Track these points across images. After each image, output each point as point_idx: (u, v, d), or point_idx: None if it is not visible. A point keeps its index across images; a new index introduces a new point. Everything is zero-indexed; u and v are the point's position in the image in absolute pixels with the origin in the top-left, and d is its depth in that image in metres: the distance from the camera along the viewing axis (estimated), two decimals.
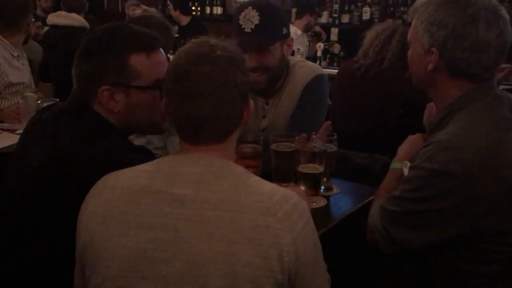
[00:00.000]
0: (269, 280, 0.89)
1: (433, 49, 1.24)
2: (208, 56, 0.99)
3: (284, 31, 1.81)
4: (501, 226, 1.17)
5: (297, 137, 1.68)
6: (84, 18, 3.66)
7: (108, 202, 0.97)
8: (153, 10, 3.72)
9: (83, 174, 1.12)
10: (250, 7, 1.72)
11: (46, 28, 3.76)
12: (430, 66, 1.27)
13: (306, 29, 4.50)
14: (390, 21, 3.37)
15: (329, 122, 1.70)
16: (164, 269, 0.90)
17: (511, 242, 1.20)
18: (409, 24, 1.38)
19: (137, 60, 1.22)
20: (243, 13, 1.72)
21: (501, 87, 2.91)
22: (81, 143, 1.18)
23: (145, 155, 1.21)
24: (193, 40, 1.04)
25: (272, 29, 1.76)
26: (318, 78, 1.91)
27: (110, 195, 0.98)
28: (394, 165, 1.48)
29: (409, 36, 1.35)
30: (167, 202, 0.94)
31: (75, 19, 3.53)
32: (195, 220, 0.91)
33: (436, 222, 1.19)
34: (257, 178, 1.00)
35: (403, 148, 1.52)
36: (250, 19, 1.70)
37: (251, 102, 1.06)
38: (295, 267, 0.91)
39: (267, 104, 1.95)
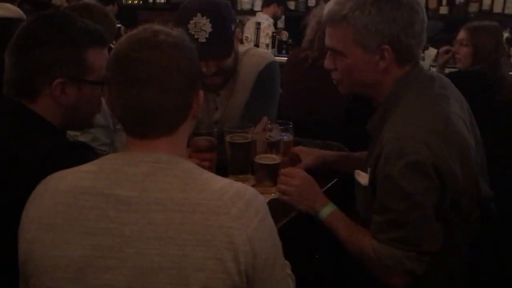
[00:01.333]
0: (224, 283, 0.84)
1: (384, 46, 1.25)
2: (150, 40, 0.92)
3: (233, 27, 1.74)
4: (457, 195, 1.21)
5: (252, 128, 1.64)
6: (19, 8, 3.43)
7: (50, 207, 0.89)
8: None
9: (21, 178, 1.04)
10: (199, 14, 1.61)
11: None
12: (382, 64, 1.27)
13: (273, 19, 4.55)
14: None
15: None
16: (111, 277, 0.84)
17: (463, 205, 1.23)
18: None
19: (93, 55, 1.21)
20: (192, 22, 1.61)
21: (446, 70, 3.00)
22: (17, 143, 1.10)
23: (88, 153, 1.15)
24: (138, 27, 0.96)
25: (226, 35, 1.68)
26: (271, 65, 1.88)
27: (51, 199, 0.90)
28: (326, 210, 1.38)
29: (335, 44, 1.31)
30: (112, 205, 0.87)
31: (11, 10, 3.29)
32: (142, 223, 0.85)
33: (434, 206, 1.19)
34: (209, 174, 0.93)
35: (309, 193, 1.42)
36: (202, 28, 1.61)
37: (201, 92, 0.99)
38: (252, 267, 0.86)
39: (218, 95, 1.89)
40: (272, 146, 1.52)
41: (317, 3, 4.79)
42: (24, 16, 3.34)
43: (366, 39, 1.24)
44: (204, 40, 1.60)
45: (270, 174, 1.53)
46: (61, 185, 0.91)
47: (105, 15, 2.19)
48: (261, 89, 1.86)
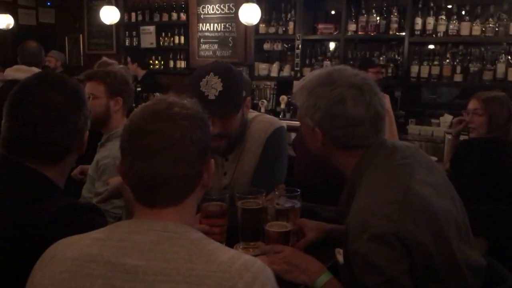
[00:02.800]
0: None
1: (316, 129, 1.34)
2: (164, 113, 0.95)
3: (244, 93, 1.80)
4: (430, 262, 1.17)
5: (264, 194, 1.63)
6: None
7: (56, 275, 0.88)
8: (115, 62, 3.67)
9: (27, 244, 1.03)
10: (212, 73, 1.68)
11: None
12: (318, 143, 1.36)
13: None
14: None
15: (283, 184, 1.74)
16: None
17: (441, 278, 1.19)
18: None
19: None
20: (204, 80, 1.68)
21: (461, 137, 3.00)
22: (22, 206, 1.10)
23: (97, 217, 1.16)
24: (153, 98, 1.01)
25: (235, 96, 1.74)
26: (278, 131, 1.92)
27: (57, 266, 0.89)
28: (323, 278, 1.33)
29: (297, 116, 1.44)
30: (118, 274, 0.86)
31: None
32: None
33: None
34: (217, 244, 0.93)
35: (299, 261, 1.39)
36: (213, 86, 1.67)
37: (212, 161, 1.01)
38: None
39: (226, 160, 1.91)
40: (283, 214, 1.51)
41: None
42: None
43: (304, 117, 1.37)
44: (213, 98, 1.66)
45: (281, 242, 1.50)
46: (68, 252, 0.91)
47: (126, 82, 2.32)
48: (269, 154, 1.87)
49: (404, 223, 1.14)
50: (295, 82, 5.16)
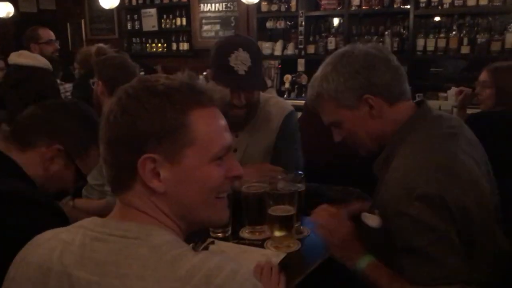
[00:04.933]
0: None
1: (365, 96, 1.30)
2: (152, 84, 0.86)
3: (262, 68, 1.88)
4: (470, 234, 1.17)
5: (268, 178, 1.62)
6: (48, 58, 3.57)
7: (22, 283, 0.86)
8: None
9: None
10: (241, 49, 1.71)
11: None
12: (375, 112, 1.32)
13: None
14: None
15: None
16: None
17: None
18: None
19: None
20: (233, 55, 1.70)
21: (468, 110, 2.95)
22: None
23: (41, 211, 1.18)
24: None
25: (261, 71, 1.81)
26: (293, 113, 1.99)
27: (24, 273, 0.86)
28: (366, 259, 1.31)
29: (331, 118, 1.39)
30: None
31: (39, 60, 3.43)
32: None
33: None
34: (183, 250, 0.80)
35: (346, 247, 1.36)
36: (242, 61, 1.71)
37: (148, 161, 0.84)
38: None
39: (236, 136, 1.92)
40: (286, 197, 1.49)
41: (336, 46, 4.83)
42: (50, 67, 3.48)
43: (344, 100, 1.32)
44: (243, 73, 1.71)
45: (284, 226, 1.49)
46: (34, 256, 0.86)
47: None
48: (288, 134, 1.94)
49: (452, 188, 1.15)
50: (299, 60, 5.10)
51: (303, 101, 3.24)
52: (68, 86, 3.77)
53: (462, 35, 4.42)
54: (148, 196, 0.84)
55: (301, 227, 1.63)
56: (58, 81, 3.78)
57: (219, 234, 1.60)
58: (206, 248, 1.49)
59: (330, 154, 2.67)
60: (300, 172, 1.67)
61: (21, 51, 3.58)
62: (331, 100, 1.34)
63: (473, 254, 1.17)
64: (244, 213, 1.63)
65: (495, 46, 4.25)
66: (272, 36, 5.54)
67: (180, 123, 0.82)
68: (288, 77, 4.98)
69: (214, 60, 1.78)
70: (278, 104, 1.99)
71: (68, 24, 7.17)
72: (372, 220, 1.29)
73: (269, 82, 4.40)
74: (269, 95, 2.13)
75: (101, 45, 3.52)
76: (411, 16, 4.52)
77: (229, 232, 1.62)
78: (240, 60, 1.70)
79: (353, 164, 2.73)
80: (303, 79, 4.78)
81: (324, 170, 2.54)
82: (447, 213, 1.14)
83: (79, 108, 1.42)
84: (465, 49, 4.39)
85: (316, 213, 1.44)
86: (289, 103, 2.12)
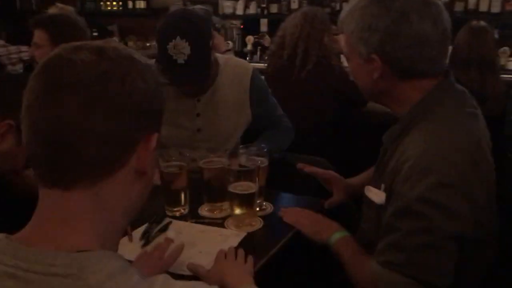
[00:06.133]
0: None
1: (373, 56, 1.14)
2: (93, 45, 0.68)
3: (211, 43, 1.69)
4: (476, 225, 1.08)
5: (227, 152, 1.52)
6: None
7: None
8: (70, 8, 3.37)
9: None
10: (179, 37, 1.58)
11: None
12: (375, 75, 1.16)
13: None
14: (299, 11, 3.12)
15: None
16: None
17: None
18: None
19: None
20: (171, 43, 1.58)
21: None
22: None
23: None
24: None
25: (204, 59, 1.66)
26: (257, 71, 1.95)
27: None
28: (336, 235, 1.29)
29: (344, 49, 1.24)
30: None
31: None
32: None
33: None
34: (133, 284, 0.62)
35: (317, 224, 1.38)
36: (181, 50, 1.59)
37: (155, 137, 0.71)
38: None
39: (198, 101, 1.84)
40: (248, 174, 1.39)
41: (300, 5, 4.67)
42: None
43: (356, 45, 1.16)
44: (182, 62, 1.59)
45: (245, 204, 1.41)
46: None
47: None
48: (261, 90, 1.93)
49: (470, 176, 1.05)
50: (262, 20, 4.92)
51: (266, 65, 3.12)
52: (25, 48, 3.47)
53: None
54: (124, 187, 0.68)
55: (264, 204, 1.55)
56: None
57: (176, 213, 1.50)
58: (163, 230, 1.40)
59: (294, 121, 2.60)
60: (264, 145, 1.57)
61: None
62: (347, 38, 1.19)
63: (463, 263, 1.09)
64: (203, 190, 1.53)
65: (459, 7, 4.21)
66: None
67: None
68: (250, 39, 4.80)
69: (157, 44, 1.66)
70: (240, 62, 1.96)
71: None
72: (376, 195, 1.20)
73: (230, 44, 4.21)
74: (227, 56, 2.07)
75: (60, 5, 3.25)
76: None
77: (187, 211, 1.52)
78: (178, 49, 1.59)
79: (317, 132, 2.69)
80: (266, 40, 4.61)
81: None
82: (464, 208, 1.04)
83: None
84: None
85: (283, 211, 1.48)
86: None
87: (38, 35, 2.09)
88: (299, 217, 1.43)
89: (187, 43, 1.58)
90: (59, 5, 3.42)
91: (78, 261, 0.60)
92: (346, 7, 1.20)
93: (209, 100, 1.83)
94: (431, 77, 1.16)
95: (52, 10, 3.18)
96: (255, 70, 1.93)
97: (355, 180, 1.59)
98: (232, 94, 1.86)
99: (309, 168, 1.61)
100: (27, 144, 0.65)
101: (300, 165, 1.61)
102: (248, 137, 1.96)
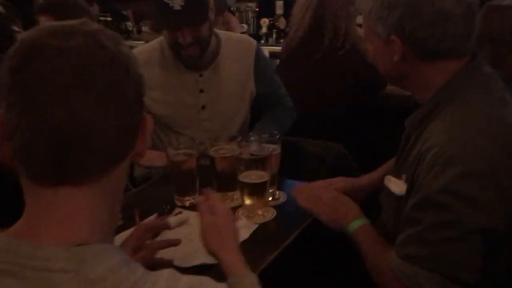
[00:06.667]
0: None
1: (392, 37, 1.06)
2: (82, 28, 0.62)
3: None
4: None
5: (239, 139, 1.46)
6: None
7: None
8: None
9: None
10: None
11: None
12: (396, 57, 1.09)
13: None
14: None
15: None
16: None
17: None
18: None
19: None
20: None
21: None
22: None
23: None
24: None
25: (201, 2, 1.65)
26: (259, 47, 1.93)
27: None
28: (357, 222, 1.22)
29: (363, 33, 1.17)
30: None
31: None
32: None
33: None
34: (136, 278, 0.59)
35: (335, 211, 1.28)
36: None
37: (150, 118, 0.70)
38: None
39: (200, 75, 1.80)
40: (259, 162, 1.33)
41: None
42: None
43: (374, 26, 1.09)
44: (179, 8, 1.57)
45: (256, 194, 1.35)
46: None
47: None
48: (267, 65, 1.92)
49: (499, 164, 0.96)
50: (277, 3, 4.81)
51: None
52: None
53: None
54: (123, 173, 0.67)
55: (277, 193, 1.49)
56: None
57: (185, 203, 1.46)
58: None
59: (303, 107, 2.53)
60: (275, 132, 1.51)
61: None
62: (365, 18, 1.13)
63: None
64: (213, 179, 1.48)
65: None
66: None
67: None
68: (265, 21, 4.70)
69: (152, 2, 1.63)
70: (242, 37, 1.93)
71: None
72: (396, 185, 1.13)
73: (245, 27, 4.14)
74: (229, 32, 2.03)
75: None
76: None
77: (196, 200, 1.47)
78: None
79: (328, 119, 2.61)
80: (282, 23, 4.51)
81: (299, 123, 2.40)
82: (488, 194, 0.95)
83: None
84: None
85: (296, 190, 1.39)
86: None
87: (45, 21, 2.05)
88: (315, 202, 1.34)
89: None
90: None
91: (77, 256, 0.57)
92: None
93: (213, 76, 1.80)
94: (456, 58, 1.08)
95: None
96: (259, 45, 1.91)
97: (366, 179, 1.50)
98: (236, 69, 1.82)
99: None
100: (24, 144, 0.59)
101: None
102: (251, 118, 1.93)
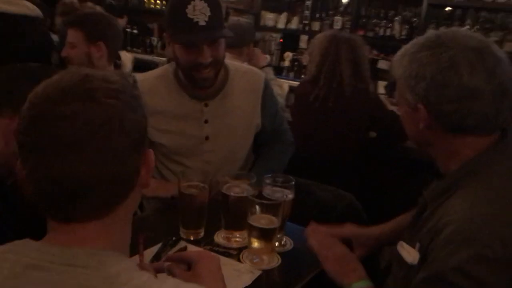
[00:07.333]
0: None
1: (419, 105, 1.07)
2: (80, 89, 0.69)
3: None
4: None
5: (254, 179, 1.45)
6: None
7: None
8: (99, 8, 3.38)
9: None
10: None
11: None
12: (421, 125, 1.09)
13: None
14: (328, 33, 2.95)
15: None
16: None
17: None
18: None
19: None
20: (190, 6, 1.55)
21: None
22: None
23: None
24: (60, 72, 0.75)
25: (221, 18, 1.66)
26: (267, 81, 1.93)
27: None
28: (359, 284, 1.19)
29: (396, 95, 1.17)
30: None
31: (28, 7, 3.16)
32: None
33: None
34: (145, 279, 0.69)
35: (342, 264, 1.26)
36: (201, 11, 1.56)
37: (151, 152, 0.78)
38: None
39: (206, 106, 1.76)
40: (271, 207, 1.32)
41: (342, 26, 4.59)
42: (41, 14, 3.22)
43: (404, 92, 1.10)
44: (204, 24, 1.56)
45: (264, 239, 1.33)
46: None
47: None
48: (273, 98, 1.92)
49: None
50: (302, 37, 4.85)
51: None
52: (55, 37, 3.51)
53: (474, 30, 4.20)
54: (133, 203, 0.78)
55: (284, 239, 1.46)
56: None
57: (190, 236, 1.44)
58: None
59: (316, 146, 2.51)
60: (291, 177, 1.49)
61: None
62: (397, 83, 1.14)
63: None
64: (222, 216, 1.46)
65: (509, 47, 4.05)
66: (276, 7, 5.24)
67: None
68: (288, 55, 4.73)
69: (170, 17, 1.62)
70: (251, 69, 1.92)
71: None
72: (408, 254, 1.10)
73: (268, 58, 4.14)
74: (236, 62, 2.02)
75: None
76: (425, 3, 4.28)
77: (202, 235, 1.45)
78: (198, 10, 1.56)
79: (346, 163, 2.59)
80: (305, 59, 4.54)
81: (307, 162, 2.38)
82: (500, 279, 0.93)
83: (47, 74, 1.20)
84: None
85: (309, 232, 1.38)
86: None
87: (73, 34, 2.07)
88: (325, 249, 1.32)
89: (205, 4, 1.55)
90: (89, 4, 3.42)
91: (97, 256, 0.69)
92: (399, 51, 1.13)
93: (219, 106, 1.77)
94: (484, 134, 1.07)
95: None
96: (267, 77, 1.92)
97: (376, 230, 1.46)
98: (243, 101, 1.80)
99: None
100: (34, 190, 0.70)
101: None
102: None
